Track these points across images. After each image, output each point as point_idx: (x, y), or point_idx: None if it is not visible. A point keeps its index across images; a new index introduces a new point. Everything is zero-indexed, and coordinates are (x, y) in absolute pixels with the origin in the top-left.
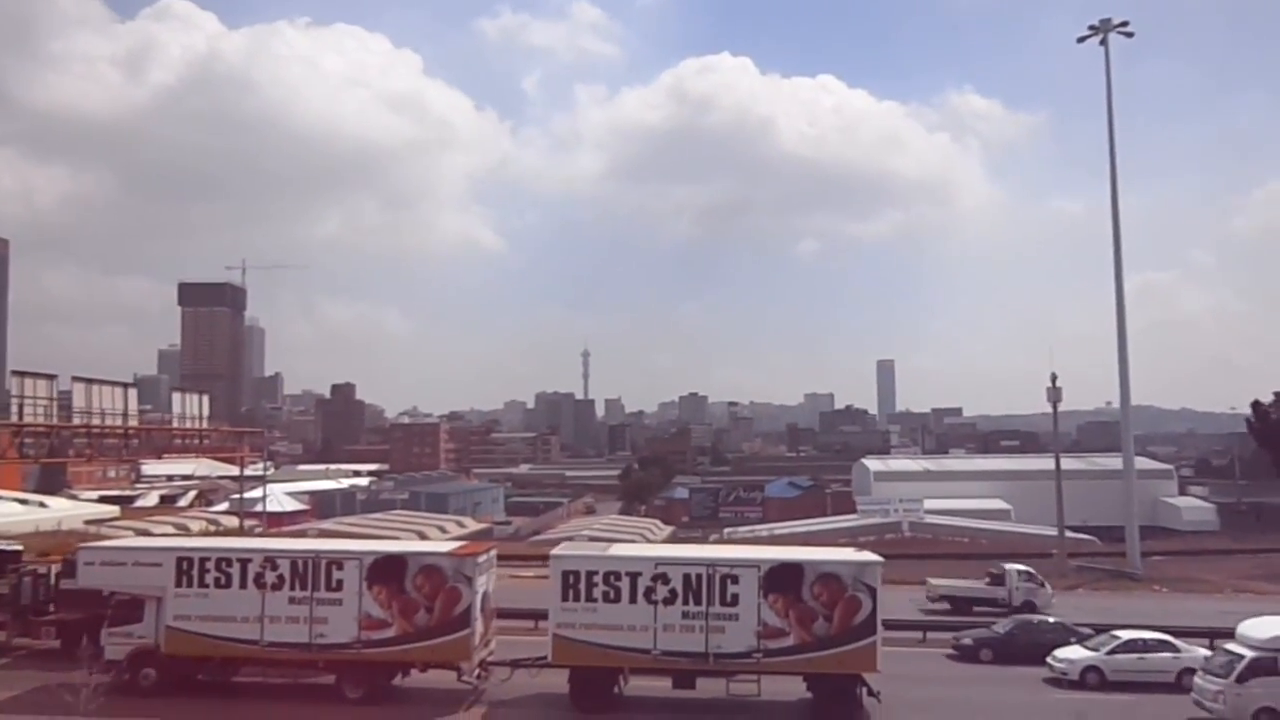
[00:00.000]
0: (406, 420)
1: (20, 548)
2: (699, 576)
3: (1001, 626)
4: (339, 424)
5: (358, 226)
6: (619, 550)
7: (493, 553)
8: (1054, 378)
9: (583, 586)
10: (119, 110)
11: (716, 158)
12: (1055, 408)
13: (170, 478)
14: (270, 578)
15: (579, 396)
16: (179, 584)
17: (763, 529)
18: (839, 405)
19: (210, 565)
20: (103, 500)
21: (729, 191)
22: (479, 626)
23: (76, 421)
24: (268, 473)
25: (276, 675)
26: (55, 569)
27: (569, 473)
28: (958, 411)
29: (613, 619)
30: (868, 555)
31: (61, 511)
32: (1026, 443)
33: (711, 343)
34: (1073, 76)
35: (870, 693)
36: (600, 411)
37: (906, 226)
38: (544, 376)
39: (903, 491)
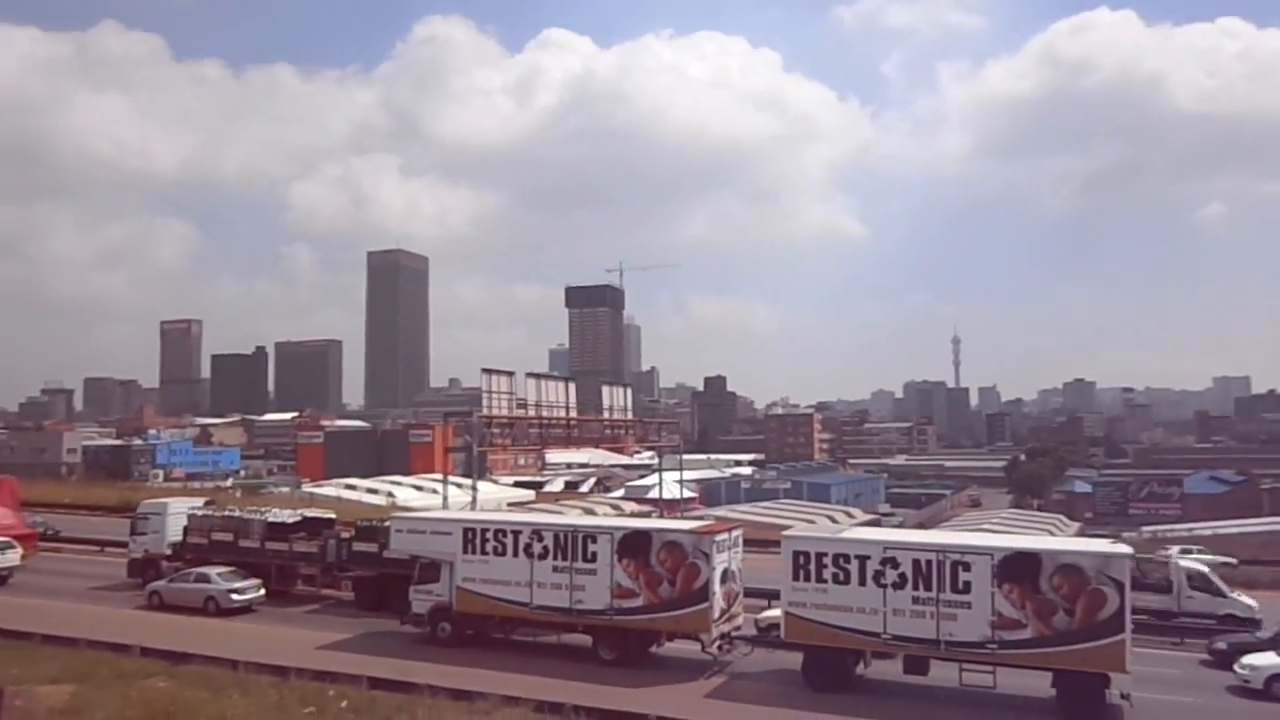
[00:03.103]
0: (780, 411)
1: (333, 516)
2: (929, 562)
3: (1267, 631)
4: (712, 415)
5: (723, 223)
6: (848, 533)
7: (737, 533)
8: None
9: (813, 567)
10: (512, 134)
11: (1097, 123)
12: None
13: (569, 465)
14: (537, 548)
15: (950, 385)
16: (465, 551)
17: (1202, 528)
18: (1258, 389)
19: (489, 536)
20: (518, 485)
21: (1114, 159)
22: (718, 601)
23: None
24: (658, 460)
25: (544, 635)
26: (351, 534)
27: (948, 463)
28: None
29: (842, 600)
30: (1116, 547)
31: (489, 494)
32: None
33: (1097, 324)
34: None
35: (1122, 695)
36: (974, 400)
37: None
38: (912, 365)
39: None
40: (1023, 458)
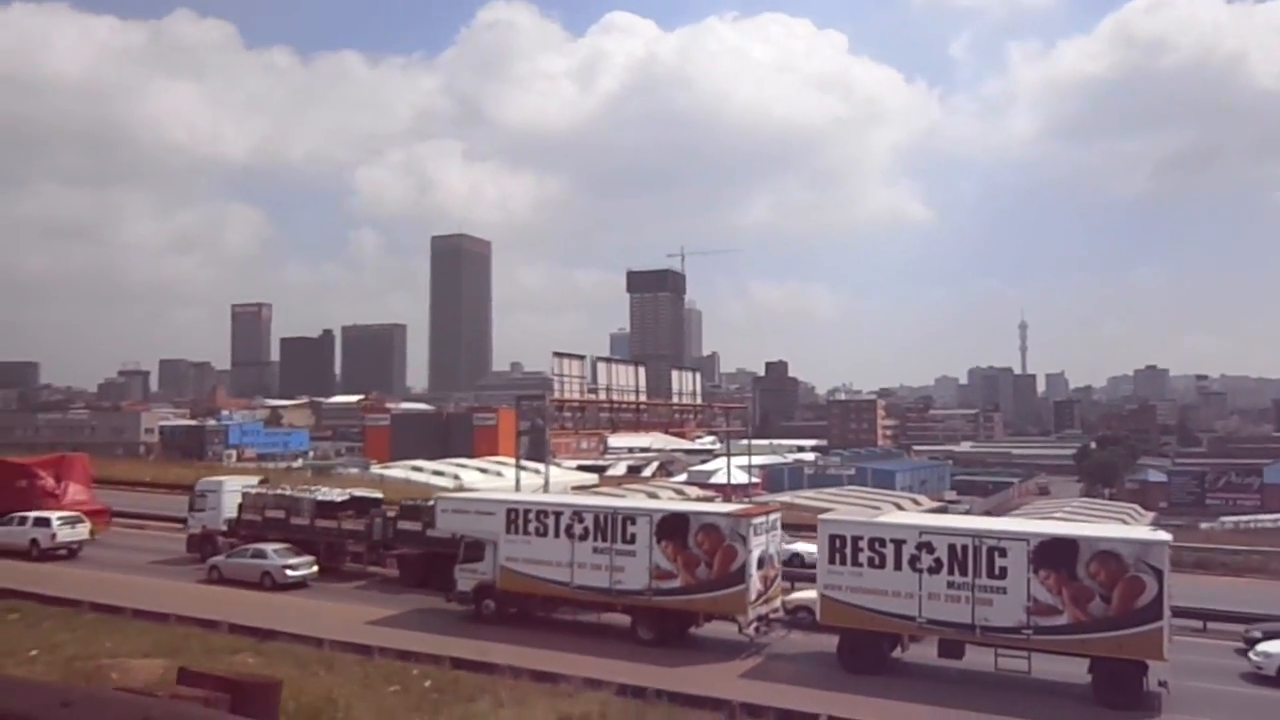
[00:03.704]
0: (843, 396)
1: (381, 495)
2: (964, 547)
3: None
4: (774, 400)
5: (786, 208)
6: (884, 517)
7: (774, 516)
8: None
9: (849, 551)
10: (574, 119)
11: (1174, 104)
12: None
13: (631, 449)
14: (578, 529)
15: (1017, 371)
16: (508, 531)
17: None
18: None
19: (531, 516)
20: (580, 469)
21: (1191, 140)
22: (755, 583)
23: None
24: (725, 446)
25: (585, 614)
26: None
27: (1015, 451)
28: None
29: (877, 584)
30: (1156, 534)
31: (553, 478)
32: None
33: (1171, 310)
34: None
35: (1160, 682)
36: (1041, 387)
37: None
38: (977, 351)
39: None
40: (1093, 445)
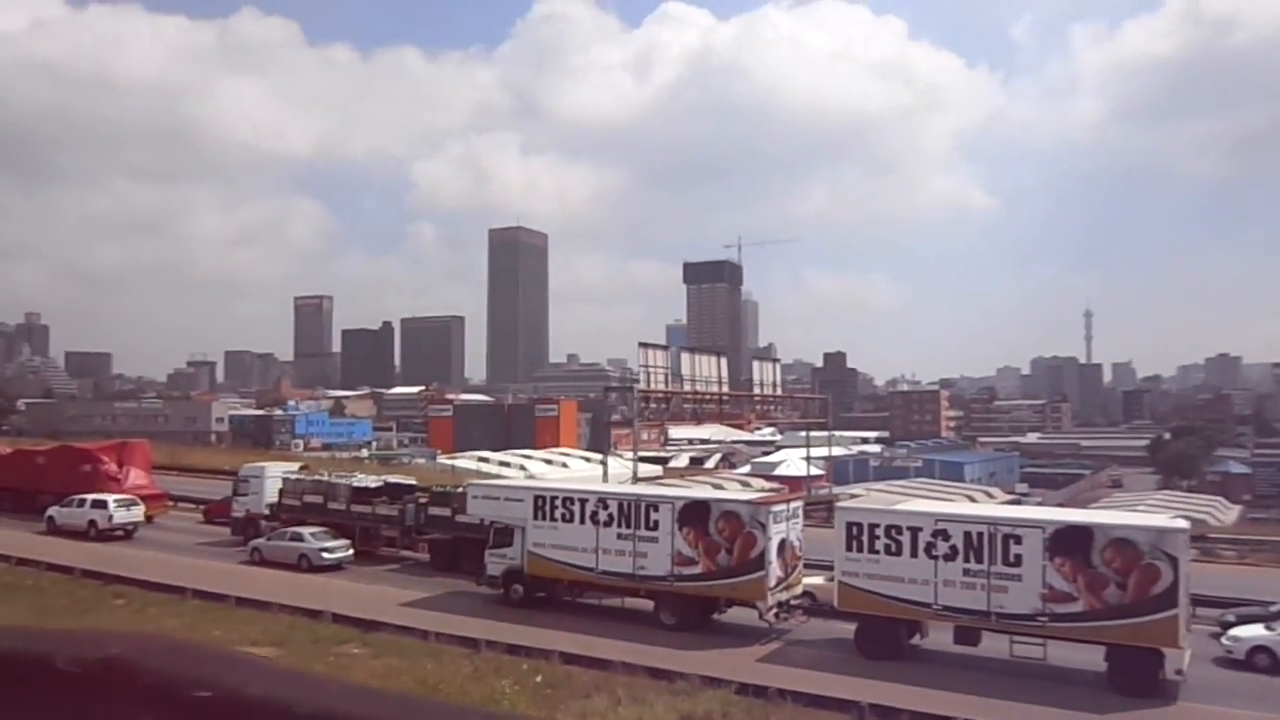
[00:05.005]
0: (905, 387)
1: (414, 481)
2: (980, 535)
3: None
4: (832, 392)
5: (844, 197)
6: (900, 505)
7: (796, 504)
8: None
9: (865, 538)
10: (630, 110)
11: (1247, 82)
12: None
13: (691, 441)
14: (603, 516)
15: (1082, 360)
16: (535, 517)
17: None
18: None
19: (558, 502)
20: (643, 460)
21: (1265, 119)
22: (775, 570)
23: (685, 388)
24: (779, 438)
25: (609, 599)
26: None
27: (1084, 442)
28: None
29: (894, 571)
30: (1172, 521)
31: (617, 469)
32: None
33: (1245, 295)
34: None
35: (1176, 671)
36: (1107, 376)
37: None
38: (1040, 340)
39: None
40: (1167, 436)
